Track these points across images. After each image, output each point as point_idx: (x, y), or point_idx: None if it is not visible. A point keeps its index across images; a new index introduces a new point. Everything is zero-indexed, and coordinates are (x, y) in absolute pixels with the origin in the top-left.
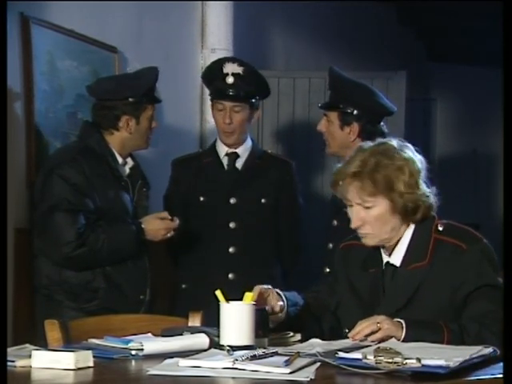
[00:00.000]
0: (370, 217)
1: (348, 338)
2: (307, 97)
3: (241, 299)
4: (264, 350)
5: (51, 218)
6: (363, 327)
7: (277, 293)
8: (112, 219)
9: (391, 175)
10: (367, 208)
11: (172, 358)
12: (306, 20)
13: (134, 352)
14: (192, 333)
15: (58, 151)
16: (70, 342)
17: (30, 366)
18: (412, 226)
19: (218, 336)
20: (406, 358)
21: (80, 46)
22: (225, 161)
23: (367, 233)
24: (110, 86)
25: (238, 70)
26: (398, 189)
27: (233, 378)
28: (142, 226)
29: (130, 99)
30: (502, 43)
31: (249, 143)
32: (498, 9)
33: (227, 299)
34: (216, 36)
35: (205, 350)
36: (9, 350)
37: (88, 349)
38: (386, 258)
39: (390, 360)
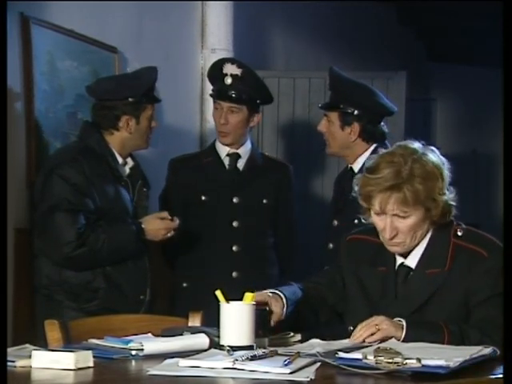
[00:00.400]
0: (405, 226)
1: (351, 335)
2: (307, 97)
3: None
4: (264, 350)
5: (51, 218)
6: (362, 331)
7: (278, 295)
8: (112, 219)
9: (429, 184)
10: (402, 217)
11: (172, 358)
12: (305, 20)
13: (134, 352)
14: (192, 333)
15: (58, 151)
16: (70, 342)
17: (30, 366)
18: (430, 229)
19: (218, 336)
20: (406, 358)
21: (80, 46)
22: (226, 161)
23: (399, 242)
24: (110, 86)
25: (237, 71)
26: (434, 197)
27: (233, 378)
28: (142, 225)
29: (130, 99)
30: (502, 43)
31: (249, 145)
32: (497, 9)
33: (228, 299)
34: (216, 36)
35: (205, 350)
36: (9, 350)
37: (88, 349)
38: (400, 259)
39: (390, 360)
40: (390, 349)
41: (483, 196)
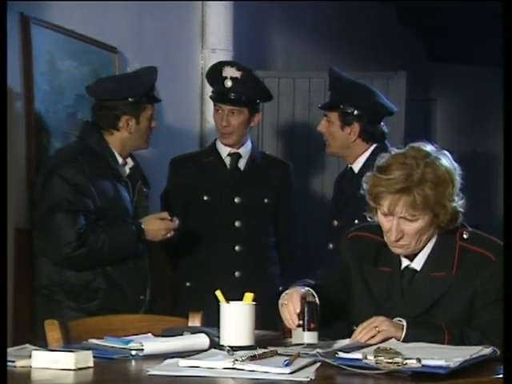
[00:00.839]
0: (411, 230)
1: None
2: (307, 97)
3: None
4: (264, 350)
5: (51, 218)
6: (362, 334)
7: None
8: (112, 219)
9: (439, 190)
10: (409, 221)
11: (172, 358)
12: (305, 20)
13: (134, 352)
14: (192, 333)
15: (58, 151)
16: (70, 342)
17: (30, 366)
18: (436, 233)
19: (218, 336)
20: (406, 358)
21: (80, 46)
22: (227, 161)
23: (404, 244)
24: (110, 86)
25: (237, 74)
26: (443, 203)
27: (233, 378)
28: (142, 226)
29: (130, 99)
30: (502, 43)
31: (249, 145)
32: (497, 9)
33: (228, 299)
34: (216, 36)
35: (205, 350)
36: (9, 350)
37: (88, 349)
38: (405, 262)
39: (390, 360)
40: (390, 349)
41: (483, 196)
